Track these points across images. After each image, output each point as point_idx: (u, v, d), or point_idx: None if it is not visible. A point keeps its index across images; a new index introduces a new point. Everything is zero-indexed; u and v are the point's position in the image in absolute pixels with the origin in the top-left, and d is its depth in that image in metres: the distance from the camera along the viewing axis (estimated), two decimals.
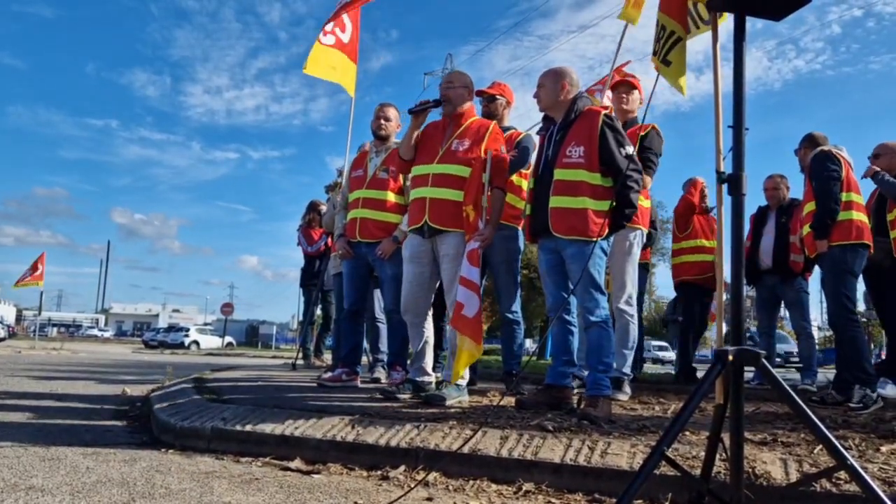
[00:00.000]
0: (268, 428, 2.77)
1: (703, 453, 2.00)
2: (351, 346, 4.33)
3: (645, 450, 2.27)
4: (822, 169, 4.24)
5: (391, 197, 4.14)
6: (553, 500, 2.12)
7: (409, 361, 4.01)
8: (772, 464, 2.11)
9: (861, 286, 4.98)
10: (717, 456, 1.67)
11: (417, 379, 3.55)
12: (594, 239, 2.98)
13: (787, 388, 1.53)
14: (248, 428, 2.80)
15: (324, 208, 6.94)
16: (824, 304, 4.48)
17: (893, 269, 4.60)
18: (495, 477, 2.29)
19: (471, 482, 2.27)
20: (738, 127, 1.67)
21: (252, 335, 46.55)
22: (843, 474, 1.77)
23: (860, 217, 4.22)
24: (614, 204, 3.01)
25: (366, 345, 5.12)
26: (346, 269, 4.37)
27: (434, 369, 3.78)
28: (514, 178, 4.03)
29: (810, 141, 4.62)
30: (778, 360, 12.37)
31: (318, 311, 7.92)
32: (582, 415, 2.85)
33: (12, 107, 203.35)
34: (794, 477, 2.02)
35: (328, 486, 2.23)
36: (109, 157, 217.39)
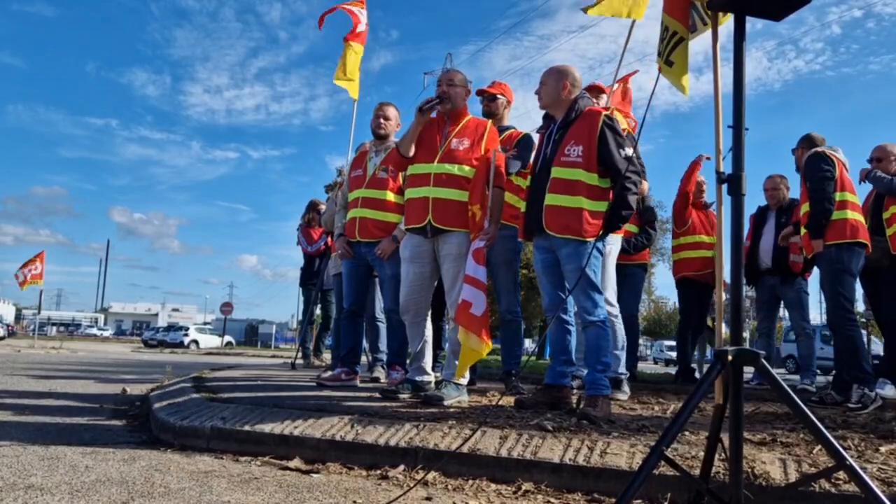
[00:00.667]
0: (267, 427, 2.77)
1: (702, 453, 2.01)
2: (350, 346, 4.33)
3: (644, 450, 2.27)
4: (815, 169, 4.26)
5: (391, 196, 4.13)
6: (552, 499, 2.12)
7: (408, 361, 4.01)
8: (771, 464, 2.11)
9: (861, 286, 4.99)
10: (717, 456, 1.67)
11: (417, 378, 3.55)
12: (588, 239, 2.99)
13: (787, 388, 1.53)
14: (248, 427, 2.80)
15: (323, 208, 6.94)
16: (824, 305, 4.49)
17: (891, 268, 4.61)
18: (494, 476, 2.29)
19: (470, 482, 2.27)
20: (737, 127, 1.67)
21: (251, 334, 46.54)
22: (842, 474, 1.77)
23: (855, 216, 4.23)
24: (611, 205, 3.01)
25: (365, 344, 5.12)
26: (346, 268, 4.37)
27: (433, 369, 3.78)
28: (515, 178, 4.03)
29: (807, 141, 4.64)
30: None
31: (318, 311, 7.92)
32: (581, 415, 2.85)
33: (12, 106, 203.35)
34: (793, 477, 2.02)
35: (327, 485, 2.23)
36: (109, 156, 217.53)
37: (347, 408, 3.08)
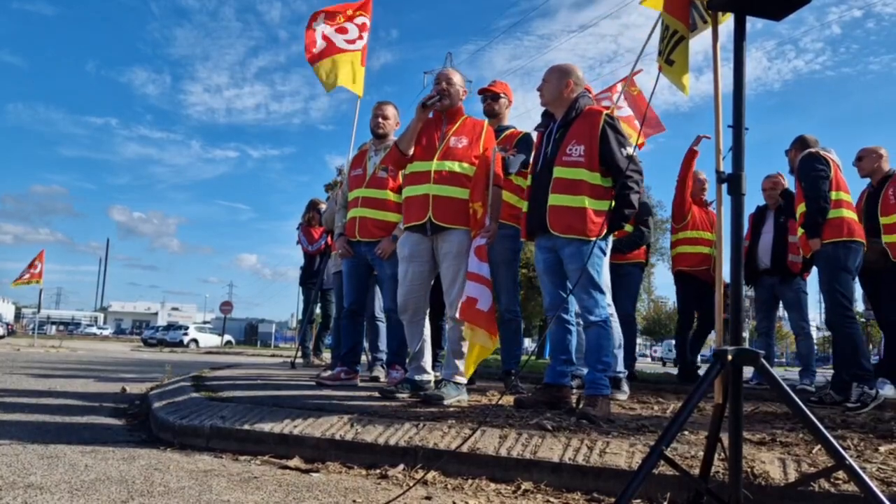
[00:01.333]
0: (266, 426, 2.77)
1: (701, 453, 2.01)
2: (350, 345, 4.33)
3: (644, 449, 2.27)
4: (809, 169, 4.30)
5: (390, 196, 4.13)
6: (552, 499, 2.12)
7: (407, 360, 4.01)
8: (770, 463, 2.12)
9: (860, 287, 5.00)
10: (716, 455, 1.67)
11: (416, 378, 3.54)
12: (592, 238, 2.98)
13: (786, 387, 1.53)
14: (247, 426, 2.80)
15: (324, 207, 6.93)
16: (823, 305, 4.50)
17: (891, 269, 4.61)
18: (494, 476, 2.29)
19: (469, 481, 2.27)
20: (737, 127, 1.67)
21: (251, 334, 46.49)
22: (841, 474, 1.78)
23: (850, 215, 4.27)
24: (613, 204, 3.01)
25: (365, 344, 5.12)
26: (346, 267, 4.37)
27: (433, 368, 3.78)
28: (515, 178, 4.03)
29: (801, 143, 4.67)
30: None
31: (318, 310, 7.91)
32: (581, 414, 2.85)
33: (12, 104, 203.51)
34: (792, 477, 2.02)
35: (327, 484, 2.23)
36: (109, 155, 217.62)
37: (347, 407, 3.08)
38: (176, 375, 5.30)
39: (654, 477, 2.04)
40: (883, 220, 4.63)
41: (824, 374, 7.77)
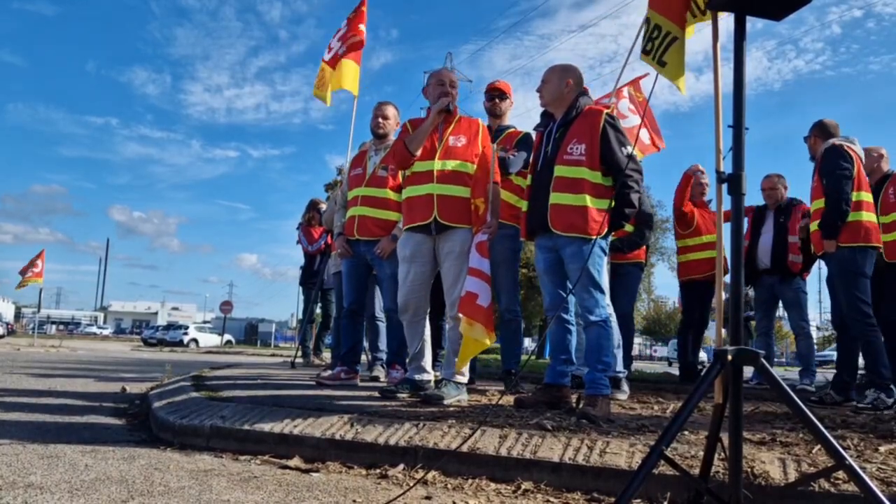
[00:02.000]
0: (266, 426, 2.77)
1: (701, 453, 2.01)
2: (350, 345, 4.33)
3: (644, 449, 2.27)
4: (834, 167, 4.06)
5: (390, 195, 4.13)
6: (552, 499, 2.12)
7: (407, 360, 4.01)
8: (770, 463, 2.12)
9: None
10: (716, 455, 1.67)
11: (416, 378, 3.54)
12: (593, 237, 2.98)
13: (786, 387, 1.54)
14: (247, 426, 2.80)
15: (324, 206, 6.94)
16: (823, 305, 4.48)
17: (892, 269, 4.60)
18: (494, 476, 2.29)
19: (469, 481, 2.27)
20: (737, 127, 1.67)
21: (251, 333, 46.52)
22: (841, 474, 1.77)
23: (870, 218, 4.11)
24: (613, 203, 3.01)
25: (365, 343, 5.12)
26: (346, 267, 4.37)
27: (433, 368, 3.78)
28: (515, 177, 4.03)
29: (821, 129, 4.39)
30: None
31: (318, 310, 7.92)
32: (581, 414, 2.85)
33: (12, 104, 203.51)
34: (792, 477, 2.02)
35: (327, 484, 2.23)
36: (109, 154, 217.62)
37: (347, 407, 3.08)
38: (176, 375, 5.30)
39: (654, 477, 2.04)
40: (882, 220, 4.62)
41: (824, 373, 7.77)
